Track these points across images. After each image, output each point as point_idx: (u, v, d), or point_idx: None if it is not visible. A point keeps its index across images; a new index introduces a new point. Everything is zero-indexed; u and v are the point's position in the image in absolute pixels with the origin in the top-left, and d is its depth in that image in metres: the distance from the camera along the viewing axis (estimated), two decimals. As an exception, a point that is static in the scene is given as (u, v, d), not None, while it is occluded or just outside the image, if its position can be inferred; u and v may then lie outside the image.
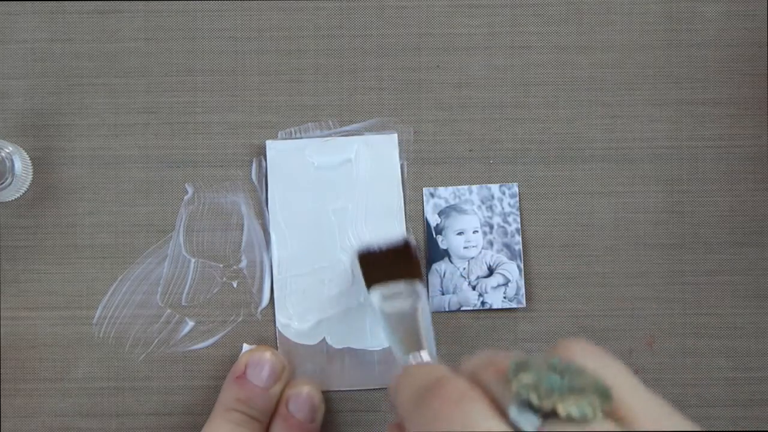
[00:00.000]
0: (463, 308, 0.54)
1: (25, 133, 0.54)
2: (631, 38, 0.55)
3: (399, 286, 0.49)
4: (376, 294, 0.49)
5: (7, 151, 0.51)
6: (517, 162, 0.55)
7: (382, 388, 0.54)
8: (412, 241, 0.52)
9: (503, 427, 0.31)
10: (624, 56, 0.55)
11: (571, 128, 0.55)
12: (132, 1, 0.54)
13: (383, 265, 0.51)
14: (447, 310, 0.54)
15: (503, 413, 0.32)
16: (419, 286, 0.50)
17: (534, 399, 0.31)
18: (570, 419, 0.31)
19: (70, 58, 0.54)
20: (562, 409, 0.31)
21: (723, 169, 0.55)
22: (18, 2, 0.54)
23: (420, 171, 0.55)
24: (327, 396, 0.54)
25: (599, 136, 0.55)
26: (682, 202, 0.55)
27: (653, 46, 0.55)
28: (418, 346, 0.46)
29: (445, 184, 0.55)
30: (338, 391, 0.54)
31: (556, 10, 0.55)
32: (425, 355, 0.45)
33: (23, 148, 0.53)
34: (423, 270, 0.53)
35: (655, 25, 0.55)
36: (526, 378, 0.32)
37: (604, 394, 0.32)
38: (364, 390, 0.54)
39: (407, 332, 0.47)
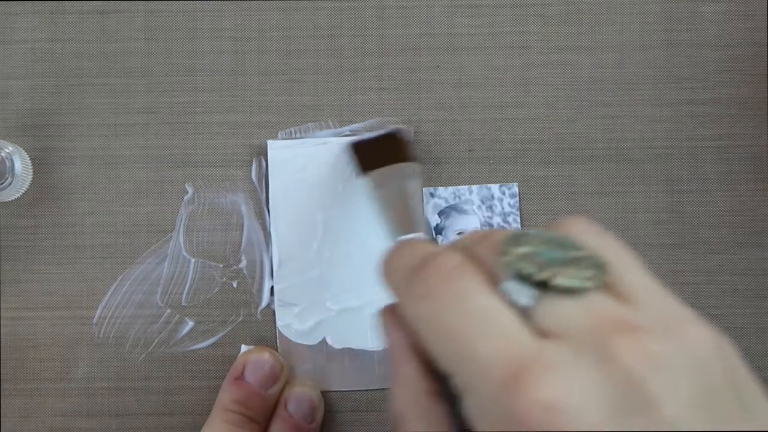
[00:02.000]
0: (463, 308, 0.54)
1: (25, 133, 0.54)
2: (631, 38, 0.55)
3: (390, 169, 0.49)
4: (368, 179, 0.49)
5: (7, 151, 0.51)
6: (517, 162, 0.55)
7: (382, 388, 0.54)
8: (403, 129, 0.52)
9: (497, 300, 0.30)
10: (624, 56, 0.55)
11: (571, 128, 0.55)
12: (132, 1, 0.54)
13: (374, 151, 0.51)
14: (447, 310, 0.54)
15: (497, 287, 0.31)
16: (411, 168, 0.50)
17: (529, 270, 0.30)
18: (566, 291, 0.30)
19: (70, 58, 0.55)
20: (558, 280, 0.29)
21: (723, 169, 0.55)
22: (18, 2, 0.54)
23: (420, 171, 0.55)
24: (327, 396, 0.54)
25: (599, 136, 0.55)
26: (682, 202, 0.55)
27: (653, 46, 0.55)
28: (411, 227, 0.45)
29: (445, 184, 0.55)
30: (338, 391, 0.54)
31: (556, 10, 0.55)
32: (420, 237, 0.44)
33: (23, 148, 0.53)
34: (413, 154, 0.53)
35: (655, 25, 0.55)
36: (522, 249, 0.31)
37: (600, 266, 0.30)
38: (364, 390, 0.54)
39: (400, 214, 0.46)
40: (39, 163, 0.54)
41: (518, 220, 0.54)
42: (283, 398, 0.52)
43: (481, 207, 0.54)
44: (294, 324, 0.54)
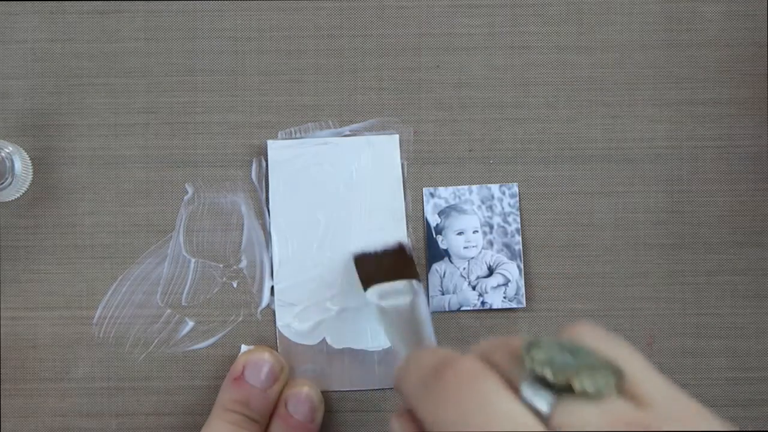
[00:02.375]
0: (463, 308, 0.54)
1: (25, 133, 0.54)
2: (631, 38, 0.55)
3: (396, 284, 0.49)
4: (374, 293, 0.49)
5: (7, 151, 0.51)
6: (517, 162, 0.55)
7: (382, 389, 0.54)
8: (407, 244, 0.52)
9: (517, 405, 0.31)
10: (624, 56, 0.55)
11: (571, 128, 0.55)
12: (132, 1, 0.54)
13: (379, 266, 0.51)
14: (447, 310, 0.54)
15: (516, 392, 0.31)
16: (416, 284, 0.50)
17: (548, 374, 0.31)
18: (584, 395, 0.30)
19: (70, 58, 0.55)
20: (577, 384, 0.30)
21: (723, 169, 0.55)
22: (18, 2, 0.54)
23: (420, 171, 0.55)
24: (327, 396, 0.54)
25: (599, 136, 0.55)
26: (682, 202, 0.55)
27: (653, 46, 0.55)
28: (419, 342, 0.46)
29: (445, 184, 0.55)
30: (338, 391, 0.54)
31: (556, 10, 0.55)
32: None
33: (23, 148, 0.53)
34: (420, 270, 0.53)
35: (655, 25, 0.55)
36: (540, 354, 0.32)
37: (616, 371, 0.31)
38: (364, 390, 0.54)
39: (408, 329, 0.47)
40: (39, 163, 0.54)
41: (518, 220, 0.54)
42: (283, 398, 0.52)
43: (481, 207, 0.54)
44: (294, 324, 0.54)
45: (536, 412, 0.31)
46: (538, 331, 0.54)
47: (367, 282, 0.50)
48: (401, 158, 0.54)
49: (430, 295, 0.54)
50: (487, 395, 0.31)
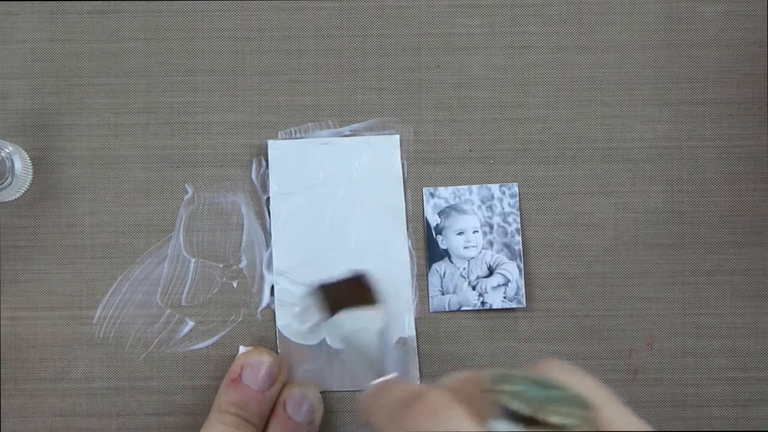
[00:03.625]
0: (463, 308, 0.54)
1: (25, 133, 0.54)
2: (631, 38, 0.55)
3: (359, 313, 0.50)
4: (336, 322, 0.49)
5: (7, 151, 0.52)
6: (517, 162, 0.55)
7: (382, 388, 0.54)
8: (365, 273, 0.52)
9: None
10: (624, 56, 0.55)
11: (571, 128, 0.55)
12: (132, 1, 0.54)
13: (342, 294, 0.51)
14: (447, 310, 0.54)
15: (484, 425, 0.32)
16: (379, 312, 0.50)
17: (517, 407, 0.31)
18: (557, 427, 0.31)
19: (70, 58, 0.55)
20: (546, 417, 0.31)
21: (723, 169, 0.55)
22: (18, 2, 0.54)
23: (420, 171, 0.55)
24: (327, 396, 0.54)
25: (599, 136, 0.55)
26: (682, 202, 0.55)
27: (653, 46, 0.55)
28: (384, 371, 0.46)
29: (445, 184, 0.55)
30: (338, 391, 0.54)
31: (556, 10, 0.55)
32: (395, 378, 0.45)
33: (23, 148, 0.53)
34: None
35: (655, 25, 0.55)
36: (509, 387, 0.32)
37: (583, 404, 0.32)
38: (363, 390, 0.54)
39: (372, 357, 0.47)
40: (39, 163, 0.54)
41: (518, 220, 0.54)
42: (282, 399, 0.52)
43: (481, 207, 0.54)
44: (294, 324, 0.54)
45: None
46: (537, 331, 0.54)
47: (331, 310, 0.51)
48: (401, 158, 0.54)
49: (430, 295, 0.54)
50: (453, 425, 0.32)
